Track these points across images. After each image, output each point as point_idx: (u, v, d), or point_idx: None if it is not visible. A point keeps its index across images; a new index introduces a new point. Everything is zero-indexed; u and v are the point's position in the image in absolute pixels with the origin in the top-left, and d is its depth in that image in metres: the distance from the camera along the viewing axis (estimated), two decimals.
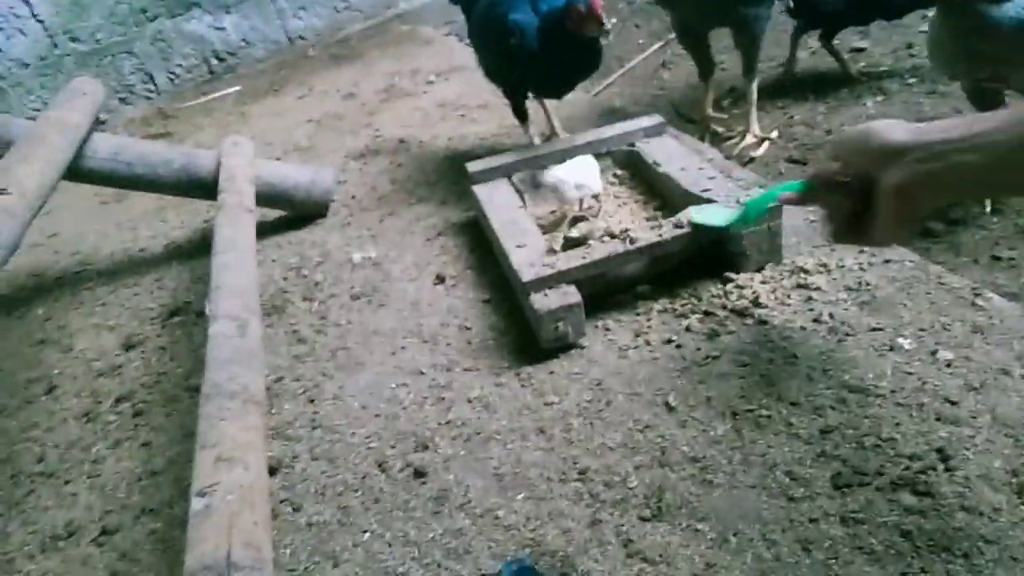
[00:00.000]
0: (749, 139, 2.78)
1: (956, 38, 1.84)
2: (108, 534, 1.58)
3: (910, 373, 1.48)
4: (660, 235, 1.75)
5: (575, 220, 1.88)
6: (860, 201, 1.12)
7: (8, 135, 2.24)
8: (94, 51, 4.45)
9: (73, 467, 1.80)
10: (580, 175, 2.00)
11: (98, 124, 2.54)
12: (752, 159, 2.74)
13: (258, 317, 1.65)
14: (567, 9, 2.07)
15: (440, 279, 2.15)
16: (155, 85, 4.70)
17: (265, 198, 2.50)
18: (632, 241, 1.75)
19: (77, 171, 2.30)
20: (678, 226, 1.76)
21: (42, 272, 2.84)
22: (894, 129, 1.05)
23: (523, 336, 1.83)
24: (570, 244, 1.83)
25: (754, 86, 2.73)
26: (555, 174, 2.02)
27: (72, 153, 2.12)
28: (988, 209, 2.25)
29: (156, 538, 1.54)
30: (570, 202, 1.94)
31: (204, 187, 2.49)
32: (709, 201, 1.86)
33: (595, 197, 2.08)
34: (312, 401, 1.81)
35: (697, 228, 1.74)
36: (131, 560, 1.51)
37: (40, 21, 4.27)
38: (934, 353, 1.52)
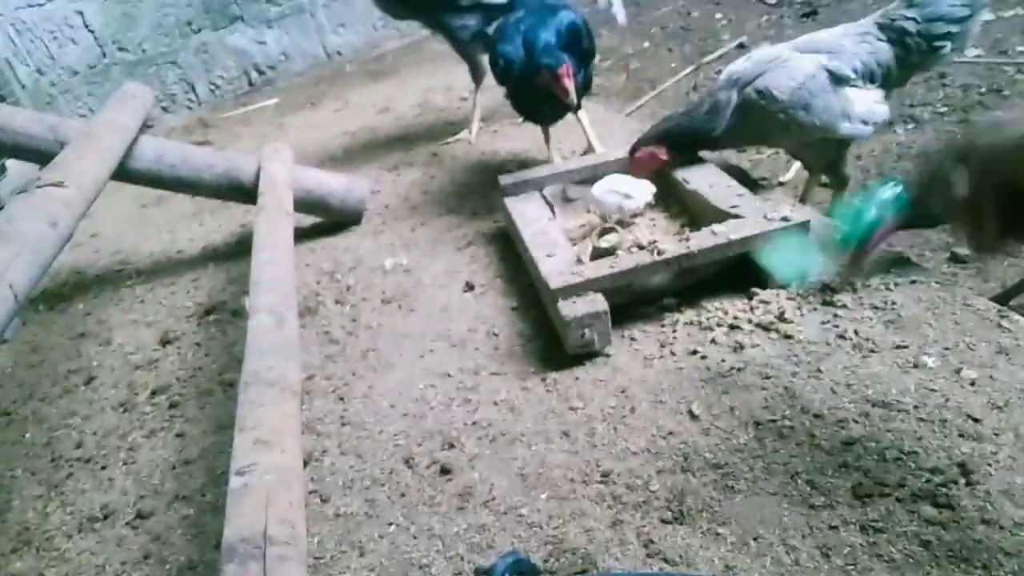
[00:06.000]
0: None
1: None
2: (142, 518, 1.63)
3: (933, 390, 1.50)
4: (688, 247, 1.79)
5: (604, 231, 1.92)
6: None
7: (63, 136, 2.33)
8: (140, 61, 4.61)
9: (110, 453, 1.86)
10: (629, 187, 2.04)
11: (145, 129, 2.63)
12: (781, 183, 2.77)
13: (294, 313, 1.70)
14: (538, 69, 2.20)
15: (469, 286, 2.20)
16: (196, 95, 4.84)
17: (302, 204, 2.57)
18: (660, 252, 1.78)
19: (124, 171, 2.39)
20: (713, 233, 1.80)
21: (83, 270, 2.93)
22: None
23: (550, 343, 1.87)
24: (598, 254, 1.87)
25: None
26: (602, 185, 2.06)
27: (123, 152, 2.21)
28: None
29: (188, 523, 1.59)
30: (610, 211, 1.99)
31: (244, 191, 2.57)
32: (736, 216, 1.89)
33: (634, 215, 2.12)
34: (342, 399, 1.86)
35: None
36: (164, 543, 1.56)
37: (91, 31, 4.43)
38: (958, 372, 1.53)
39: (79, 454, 1.88)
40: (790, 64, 2.04)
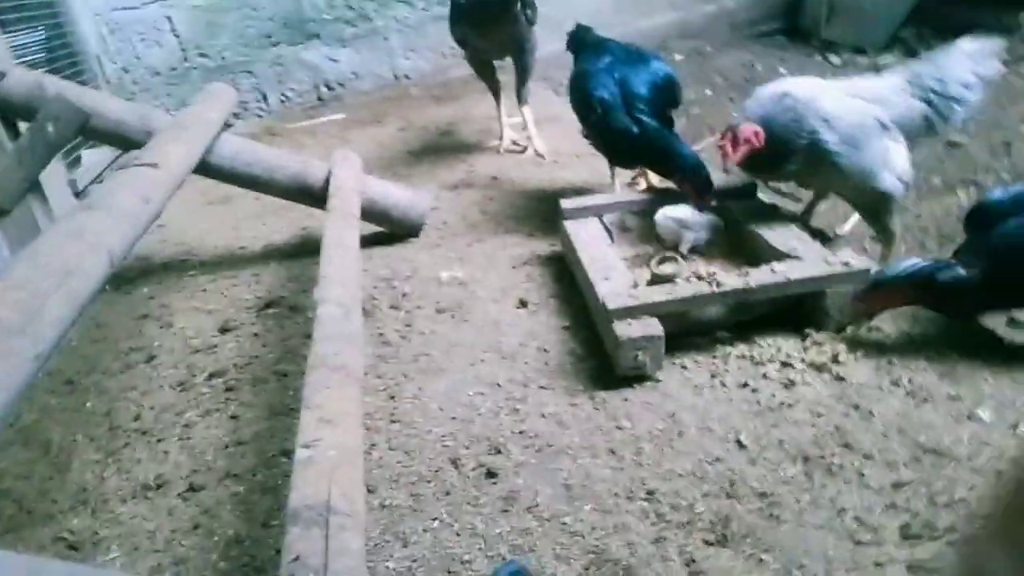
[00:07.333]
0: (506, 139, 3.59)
1: None
2: (194, 491, 1.68)
3: (987, 443, 1.49)
4: (746, 282, 1.81)
5: (663, 259, 1.96)
6: None
7: (150, 125, 2.46)
8: (219, 67, 4.81)
9: (166, 428, 1.93)
10: (691, 217, 2.10)
11: (225, 128, 2.75)
12: (838, 235, 2.77)
13: (359, 308, 1.76)
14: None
15: (523, 303, 2.24)
16: (267, 104, 5.03)
17: (366, 212, 2.64)
18: (718, 284, 1.81)
19: (204, 165, 2.49)
20: (773, 271, 1.83)
21: (149, 257, 3.05)
22: None
23: (600, 364, 1.90)
24: (656, 280, 1.90)
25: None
26: (664, 212, 2.13)
27: (208, 144, 2.32)
28: None
29: (238, 500, 1.64)
30: (668, 235, 2.06)
31: (312, 194, 2.66)
32: (796, 258, 1.91)
33: (693, 250, 2.17)
34: (392, 398, 1.91)
35: None
36: (213, 516, 1.60)
37: (177, 36, 4.65)
38: (1014, 428, 1.52)
39: (136, 426, 1.95)
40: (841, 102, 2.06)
